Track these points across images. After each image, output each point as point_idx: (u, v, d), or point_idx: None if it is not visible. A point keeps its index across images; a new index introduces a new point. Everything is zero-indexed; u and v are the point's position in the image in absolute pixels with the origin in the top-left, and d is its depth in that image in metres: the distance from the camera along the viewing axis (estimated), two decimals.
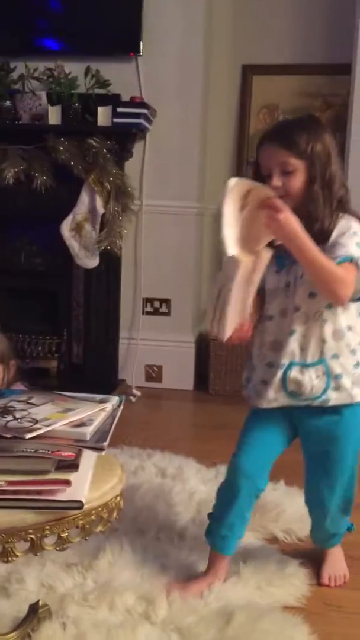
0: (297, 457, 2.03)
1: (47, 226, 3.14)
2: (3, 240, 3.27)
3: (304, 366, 1.47)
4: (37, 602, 1.41)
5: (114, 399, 1.18)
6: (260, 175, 1.45)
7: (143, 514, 1.92)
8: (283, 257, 1.46)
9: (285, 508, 1.97)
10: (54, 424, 1.05)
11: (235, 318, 1.37)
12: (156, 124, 3.23)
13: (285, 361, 1.48)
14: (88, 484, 1.05)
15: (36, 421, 1.05)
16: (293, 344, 1.47)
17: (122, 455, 2.30)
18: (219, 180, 3.50)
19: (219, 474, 2.24)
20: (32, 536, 1.02)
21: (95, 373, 3.23)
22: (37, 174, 3.01)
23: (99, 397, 1.18)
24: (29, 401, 1.15)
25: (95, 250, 3.11)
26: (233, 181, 1.32)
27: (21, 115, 3.12)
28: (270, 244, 1.40)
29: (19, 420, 1.05)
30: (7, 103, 3.11)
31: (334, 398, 1.49)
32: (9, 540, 1.01)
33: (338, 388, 1.48)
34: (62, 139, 2.98)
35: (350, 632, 1.50)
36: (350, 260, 1.38)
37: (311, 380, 1.47)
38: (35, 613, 1.39)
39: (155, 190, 3.29)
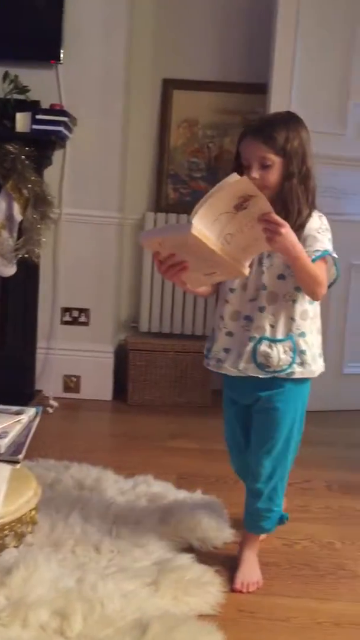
0: (214, 468, 2.06)
1: None
2: None
3: (273, 341, 1.62)
4: None
5: (30, 411, 1.16)
6: (240, 164, 1.59)
7: (59, 527, 1.88)
8: None
9: (201, 518, 1.99)
10: None
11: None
12: (77, 133, 3.21)
13: (256, 335, 1.63)
14: (2, 498, 1.03)
15: None
16: (263, 320, 1.62)
17: (38, 468, 2.25)
18: (140, 191, 3.55)
19: (137, 484, 2.26)
20: None
21: (11, 383, 3.14)
22: None
23: (14, 408, 1.16)
24: None
25: (12, 258, 3.04)
26: (240, 177, 1.34)
27: None
28: None
29: None
30: None
31: (298, 372, 1.64)
32: None
33: (302, 363, 1.64)
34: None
35: (263, 637, 1.53)
36: (326, 253, 1.57)
37: (279, 354, 1.62)
38: None
39: (75, 199, 3.27)
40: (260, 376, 1.65)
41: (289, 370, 1.63)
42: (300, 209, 1.57)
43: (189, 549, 1.88)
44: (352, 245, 3.24)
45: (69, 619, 1.47)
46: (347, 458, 2.75)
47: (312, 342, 1.66)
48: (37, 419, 1.16)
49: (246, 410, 1.76)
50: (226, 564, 1.81)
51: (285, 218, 1.49)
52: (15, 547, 1.10)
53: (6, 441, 1.04)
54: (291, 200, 1.56)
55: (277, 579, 1.79)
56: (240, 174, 1.52)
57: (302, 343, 1.64)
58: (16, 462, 1.03)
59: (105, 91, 3.22)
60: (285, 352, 1.62)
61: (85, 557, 1.76)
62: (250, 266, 1.53)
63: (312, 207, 1.61)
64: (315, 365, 1.67)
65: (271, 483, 1.73)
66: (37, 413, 1.18)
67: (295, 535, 2.01)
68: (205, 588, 1.66)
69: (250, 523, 1.81)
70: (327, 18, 3.10)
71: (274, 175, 1.56)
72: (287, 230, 1.43)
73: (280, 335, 1.62)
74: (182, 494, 2.19)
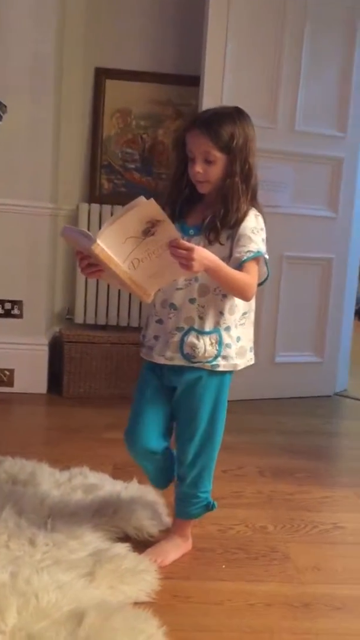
0: None
1: None
2: None
3: (201, 333, 1.65)
4: None
5: None
6: (185, 156, 1.63)
7: None
8: (185, 227, 1.63)
9: (136, 507, 2.00)
10: None
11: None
12: (6, 120, 3.12)
13: (184, 325, 1.65)
14: None
15: None
16: (193, 312, 1.65)
17: None
18: (73, 182, 3.51)
19: (72, 476, 2.25)
20: None
21: None
22: None
23: None
24: None
25: None
26: (147, 201, 1.36)
27: None
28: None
29: None
30: None
31: (222, 364, 1.67)
32: None
33: (226, 357, 1.67)
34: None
35: (198, 621, 1.56)
36: (258, 254, 1.59)
37: (204, 345, 1.64)
38: None
39: (5, 188, 3.20)
40: (186, 365, 1.67)
41: (213, 363, 1.66)
42: (239, 207, 1.60)
43: (125, 538, 1.89)
44: (283, 236, 3.33)
45: (3, 613, 1.45)
46: (278, 444, 2.84)
47: (238, 335, 1.69)
48: None
49: (167, 392, 1.76)
50: None
51: (224, 214, 1.57)
52: None
53: None
54: (231, 197, 1.59)
55: (212, 564, 1.83)
56: (185, 163, 1.64)
57: (227, 337, 1.66)
58: None
59: (35, 78, 3.16)
60: (211, 344, 1.65)
61: (19, 551, 1.74)
62: None
63: (251, 204, 1.64)
64: (241, 359, 1.70)
65: (195, 469, 1.78)
66: None
67: (229, 521, 2.06)
68: (141, 576, 1.68)
69: (177, 508, 1.86)
70: (258, 10, 3.15)
71: (216, 171, 1.60)
72: (198, 252, 1.45)
73: (208, 327, 1.64)
74: (118, 485, 2.19)
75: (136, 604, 1.58)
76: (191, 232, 1.64)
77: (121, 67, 3.44)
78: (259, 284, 1.66)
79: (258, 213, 1.66)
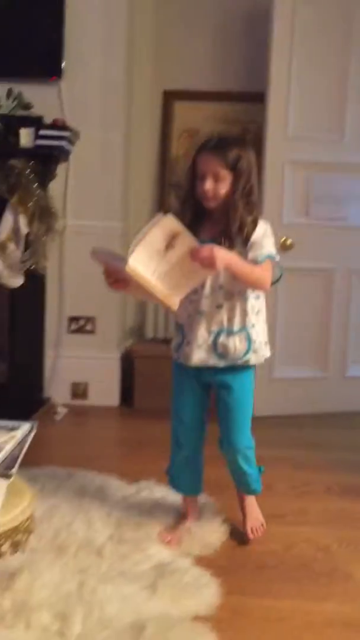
0: (216, 473, 2.13)
1: None
2: None
3: (230, 333, 1.84)
4: None
5: (25, 426, 1.23)
6: (195, 174, 1.82)
7: (62, 533, 1.95)
8: (201, 240, 1.71)
9: (201, 522, 2.05)
10: None
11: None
12: (79, 146, 3.29)
13: (215, 328, 1.85)
14: None
15: None
16: (222, 315, 1.84)
17: (43, 475, 2.32)
18: (143, 201, 3.62)
19: (140, 489, 2.32)
20: None
21: (20, 392, 3.23)
22: None
23: (10, 424, 1.23)
24: None
25: (19, 270, 3.13)
26: (167, 217, 1.54)
27: None
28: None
29: None
30: None
31: (253, 359, 1.89)
32: None
33: (255, 351, 1.88)
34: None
35: (257, 637, 1.58)
36: (269, 257, 1.81)
37: (235, 344, 1.84)
38: None
39: (79, 210, 3.35)
40: (220, 365, 1.87)
41: (245, 358, 1.87)
42: (242, 219, 1.78)
43: (187, 553, 1.94)
44: (352, 250, 3.30)
45: (68, 621, 1.54)
46: (348, 460, 2.80)
47: (259, 331, 1.89)
48: (32, 434, 1.24)
49: (203, 387, 1.97)
50: (223, 567, 1.87)
51: (227, 225, 1.78)
52: (15, 553, 1.17)
53: (0, 456, 1.11)
54: (234, 211, 1.78)
55: (273, 581, 1.84)
56: (194, 183, 1.82)
57: (254, 333, 1.87)
58: (8, 476, 1.10)
59: (106, 104, 3.30)
60: (240, 341, 1.85)
61: (87, 562, 1.83)
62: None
63: (255, 218, 1.82)
64: (263, 351, 1.91)
65: (246, 449, 1.97)
66: (31, 428, 1.25)
67: (293, 539, 2.07)
68: (202, 590, 1.72)
69: (240, 486, 2.07)
70: (324, 24, 3.15)
71: (223, 189, 1.79)
72: (217, 250, 1.64)
73: (236, 327, 1.84)
74: None
75: (196, 618, 1.62)
76: (206, 241, 1.76)
77: (188, 88, 3.53)
78: (272, 283, 1.84)
79: (267, 222, 1.84)
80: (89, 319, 3.44)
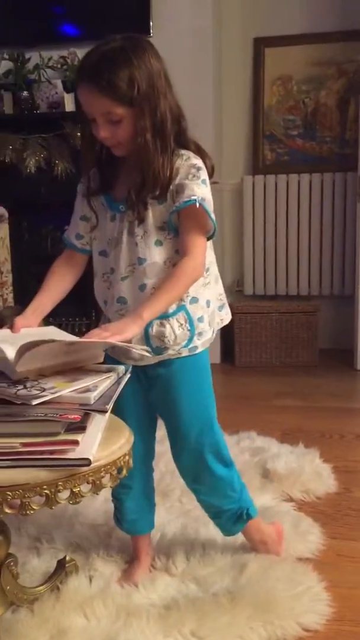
0: (317, 424, 2.10)
1: (71, 212, 3.22)
2: (30, 227, 3.39)
3: (164, 318, 1.36)
4: (64, 558, 1.53)
5: (120, 368, 1.26)
6: (86, 117, 1.31)
7: (166, 478, 2.02)
8: (114, 204, 1.39)
9: (302, 471, 2.04)
10: (60, 391, 1.14)
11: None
12: None
13: None
14: (97, 444, 1.15)
15: (44, 389, 1.15)
16: (147, 298, 1.33)
17: None
18: (236, 155, 3.56)
19: (241, 439, 2.34)
20: (47, 491, 1.12)
21: None
22: (57, 161, 3.10)
23: (105, 366, 1.27)
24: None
25: None
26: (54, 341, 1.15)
27: (39, 105, 3.21)
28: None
29: (28, 389, 1.15)
30: (25, 93, 3.21)
31: (199, 344, 1.41)
32: (26, 496, 1.12)
33: (201, 333, 1.40)
34: (79, 126, 3.06)
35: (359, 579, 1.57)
36: (190, 203, 1.30)
37: (174, 330, 1.37)
38: (62, 568, 1.51)
39: None
40: (161, 360, 1.41)
41: (190, 346, 1.40)
42: (161, 167, 1.29)
43: (289, 499, 1.94)
44: None
45: (174, 558, 1.60)
46: None
47: (207, 299, 1.41)
48: (127, 376, 1.27)
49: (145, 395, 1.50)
50: (327, 513, 1.86)
51: (142, 183, 1.31)
52: (111, 487, 1.22)
53: (95, 394, 1.15)
54: (147, 162, 1.29)
55: None
56: (90, 128, 1.33)
57: (196, 309, 1.39)
58: (104, 411, 1.13)
59: (196, 58, 3.24)
60: (180, 325, 1.37)
61: (190, 505, 1.88)
62: (119, 242, 1.37)
63: (172, 156, 1.32)
64: (215, 325, 1.46)
65: (216, 461, 1.58)
66: (126, 370, 1.28)
67: None
68: (304, 535, 1.72)
69: (222, 527, 1.60)
70: None
71: (126, 130, 1.29)
72: (109, 329, 1.22)
73: (170, 308, 1.36)
74: (284, 449, 2.24)
75: (298, 559, 1.63)
76: (121, 207, 1.37)
77: (279, 33, 3.40)
78: (208, 238, 1.39)
79: (188, 154, 1.35)
80: None
